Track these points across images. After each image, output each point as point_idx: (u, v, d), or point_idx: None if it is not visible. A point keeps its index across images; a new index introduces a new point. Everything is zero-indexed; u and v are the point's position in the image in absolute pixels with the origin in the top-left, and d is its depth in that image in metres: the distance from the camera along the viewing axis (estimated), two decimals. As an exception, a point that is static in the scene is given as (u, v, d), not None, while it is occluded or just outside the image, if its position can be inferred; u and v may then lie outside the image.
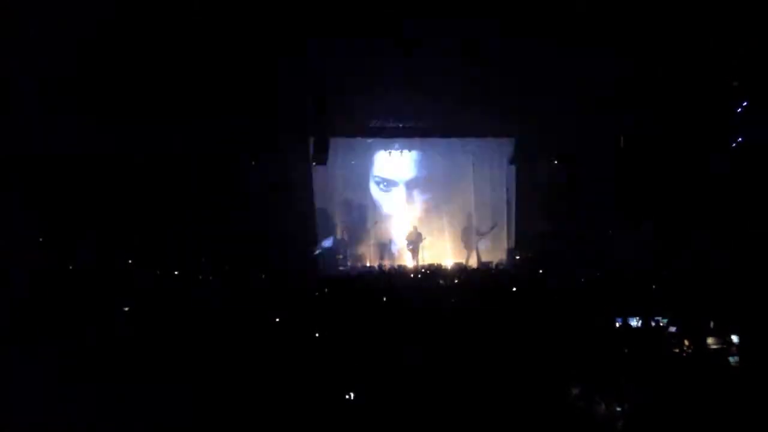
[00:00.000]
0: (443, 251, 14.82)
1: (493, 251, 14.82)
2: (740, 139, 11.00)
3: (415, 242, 14.51)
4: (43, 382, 4.69)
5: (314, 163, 13.36)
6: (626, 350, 5.58)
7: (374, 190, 14.99)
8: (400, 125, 13.80)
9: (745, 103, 10.87)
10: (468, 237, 15.00)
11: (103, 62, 9.60)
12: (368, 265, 14.16)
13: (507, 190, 14.73)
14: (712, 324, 6.01)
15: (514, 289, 8.90)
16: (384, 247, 14.82)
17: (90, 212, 10.39)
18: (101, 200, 10.54)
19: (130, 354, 5.40)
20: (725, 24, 9.05)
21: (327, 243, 13.86)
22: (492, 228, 14.88)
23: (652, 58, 9.92)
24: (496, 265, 13.36)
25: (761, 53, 9.56)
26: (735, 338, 5.64)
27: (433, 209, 14.99)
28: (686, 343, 5.74)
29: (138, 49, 9.45)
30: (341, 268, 13.68)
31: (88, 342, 5.64)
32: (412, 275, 11.80)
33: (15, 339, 5.53)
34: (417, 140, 14.53)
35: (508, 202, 14.71)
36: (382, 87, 11.23)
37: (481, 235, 14.92)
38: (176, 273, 10.15)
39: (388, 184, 14.99)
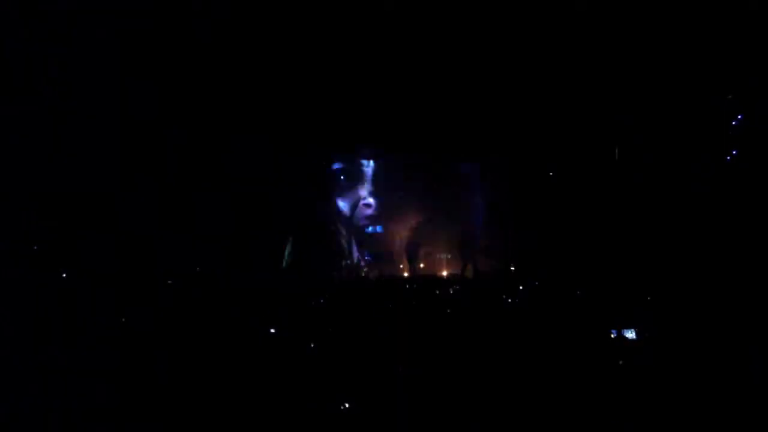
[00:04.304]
0: (439, 262, 14.81)
1: (489, 263, 14.80)
2: (735, 152, 11.05)
3: (411, 252, 14.49)
4: (42, 384, 4.69)
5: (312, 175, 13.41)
6: (621, 362, 5.59)
7: (371, 201, 14.98)
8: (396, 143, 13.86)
9: (740, 116, 10.93)
10: (464, 248, 15.00)
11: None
12: (364, 274, 14.14)
13: (503, 203, 14.74)
14: (708, 334, 6.02)
15: (509, 300, 8.91)
16: (381, 257, 14.80)
17: (96, 218, 10.35)
18: (107, 206, 10.52)
19: (131, 355, 5.41)
20: (721, 34, 9.11)
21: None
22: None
23: (647, 69, 9.98)
24: (492, 277, 13.34)
25: (756, 66, 9.63)
26: (729, 348, 5.64)
27: (430, 220, 15.00)
28: (681, 353, 5.75)
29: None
30: (337, 276, 13.65)
31: (88, 345, 5.64)
32: (407, 285, 11.79)
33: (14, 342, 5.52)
34: (414, 152, 14.61)
35: (504, 215, 14.71)
36: (379, 104, 11.27)
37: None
38: (171, 281, 10.11)
39: (385, 194, 14.99)
